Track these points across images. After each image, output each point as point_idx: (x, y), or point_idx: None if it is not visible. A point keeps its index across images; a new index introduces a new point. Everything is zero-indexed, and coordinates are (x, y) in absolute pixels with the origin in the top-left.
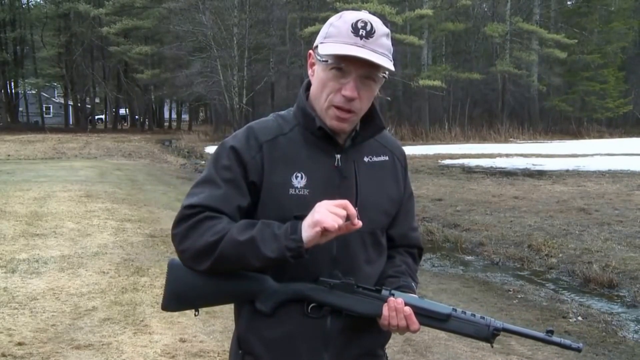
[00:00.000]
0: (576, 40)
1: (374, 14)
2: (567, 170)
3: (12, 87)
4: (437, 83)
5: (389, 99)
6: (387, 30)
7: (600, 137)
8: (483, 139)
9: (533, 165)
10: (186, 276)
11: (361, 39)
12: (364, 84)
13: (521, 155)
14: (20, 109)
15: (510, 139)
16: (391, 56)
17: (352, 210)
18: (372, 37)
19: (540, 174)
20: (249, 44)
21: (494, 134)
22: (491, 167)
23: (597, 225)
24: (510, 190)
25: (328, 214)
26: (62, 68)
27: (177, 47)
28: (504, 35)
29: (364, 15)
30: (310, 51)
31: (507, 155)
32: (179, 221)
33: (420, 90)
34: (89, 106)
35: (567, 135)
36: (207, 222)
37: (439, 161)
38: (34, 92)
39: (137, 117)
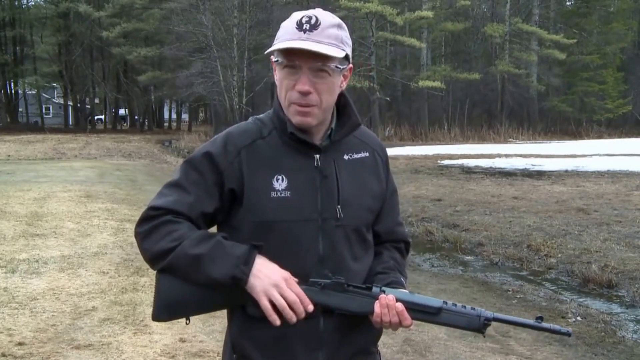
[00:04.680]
0: (575, 40)
1: (373, 15)
2: (566, 171)
3: (12, 87)
4: (436, 84)
5: (388, 99)
6: (337, 22)
7: (599, 137)
8: (482, 140)
9: (532, 165)
10: (176, 285)
11: (305, 32)
12: (317, 76)
13: (520, 155)
14: (20, 109)
15: (510, 140)
16: (345, 46)
17: (301, 305)
18: (316, 29)
19: (539, 174)
20: (248, 45)
21: (493, 134)
22: (490, 167)
23: (596, 226)
24: (509, 191)
25: (280, 296)
26: (61, 68)
27: (177, 47)
28: (504, 36)
29: (311, 11)
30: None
31: (507, 156)
32: (142, 221)
33: (419, 90)
34: (89, 106)
35: (566, 136)
36: (167, 226)
37: (438, 161)
38: (33, 92)
39: (136, 117)
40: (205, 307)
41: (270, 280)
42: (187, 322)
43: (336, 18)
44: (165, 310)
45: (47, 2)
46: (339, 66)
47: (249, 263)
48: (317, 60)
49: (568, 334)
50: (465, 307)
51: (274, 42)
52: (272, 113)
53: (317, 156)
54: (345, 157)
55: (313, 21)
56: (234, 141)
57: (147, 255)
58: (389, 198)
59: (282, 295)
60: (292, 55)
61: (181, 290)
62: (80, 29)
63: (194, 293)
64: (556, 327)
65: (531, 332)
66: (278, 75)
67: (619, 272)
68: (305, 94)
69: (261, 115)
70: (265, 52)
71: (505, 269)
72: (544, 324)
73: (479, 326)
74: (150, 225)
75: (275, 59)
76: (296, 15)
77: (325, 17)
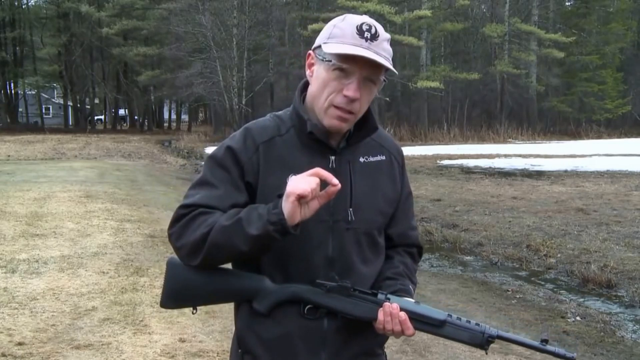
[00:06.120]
0: (574, 38)
1: (373, 14)
2: (566, 171)
3: (12, 88)
4: (435, 84)
5: (388, 99)
6: (388, 36)
7: (599, 137)
8: (482, 140)
9: (532, 165)
10: (185, 274)
11: (366, 41)
12: (365, 85)
13: (520, 155)
14: (20, 109)
15: (509, 140)
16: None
17: (325, 174)
18: (376, 40)
19: (538, 175)
20: (248, 45)
21: (493, 134)
22: (490, 167)
23: (595, 226)
24: (508, 191)
25: (298, 183)
26: (61, 69)
27: (177, 48)
28: (503, 36)
29: (367, 18)
30: (310, 52)
31: (506, 156)
32: (174, 221)
33: (419, 90)
34: (89, 107)
35: (566, 136)
36: (200, 217)
37: (438, 161)
38: (33, 92)
39: (136, 117)
40: (212, 298)
41: (286, 193)
42: (194, 311)
43: (385, 32)
44: (172, 298)
45: (48, 3)
46: (385, 79)
47: (277, 205)
48: (371, 70)
49: (573, 359)
50: (469, 322)
51: (327, 40)
52: (291, 111)
53: (333, 158)
54: (361, 159)
55: (373, 31)
56: (252, 137)
57: (185, 250)
58: (403, 201)
59: (303, 186)
60: (348, 60)
61: (190, 280)
62: (81, 29)
63: (203, 284)
64: (561, 350)
65: (531, 332)
66: (324, 74)
67: (618, 272)
68: (353, 100)
69: (279, 112)
70: (314, 47)
71: (504, 269)
72: (549, 347)
73: (481, 342)
74: (183, 222)
75: (328, 59)
76: (353, 20)
77: (381, 29)
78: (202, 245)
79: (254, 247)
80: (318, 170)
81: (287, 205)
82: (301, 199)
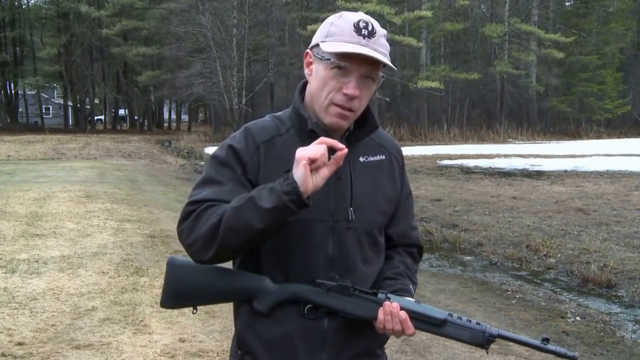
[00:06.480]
0: (573, 38)
1: (372, 14)
2: (566, 171)
3: (12, 88)
4: (435, 84)
5: (387, 99)
6: (385, 32)
7: (599, 137)
8: (481, 140)
9: (531, 165)
10: (185, 274)
11: (364, 38)
12: (364, 82)
13: (520, 155)
14: (20, 109)
15: (509, 140)
16: (389, 57)
17: (331, 141)
18: (373, 36)
19: (538, 175)
20: (248, 45)
21: (493, 134)
22: (490, 167)
23: (595, 226)
24: (508, 191)
25: (307, 149)
26: (61, 69)
27: (177, 48)
28: (503, 36)
29: (363, 15)
30: (308, 51)
31: (506, 156)
32: (183, 219)
33: (419, 91)
34: (89, 107)
35: (566, 136)
36: (209, 209)
37: (438, 162)
38: (33, 92)
39: (136, 117)
40: (213, 298)
41: (296, 160)
42: (194, 311)
43: (382, 28)
44: (172, 298)
45: (48, 3)
46: (384, 75)
47: (288, 177)
48: (370, 67)
49: (574, 359)
50: (470, 321)
51: (325, 39)
52: (290, 110)
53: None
54: (361, 159)
55: (370, 28)
56: (253, 136)
57: (198, 244)
58: (403, 201)
59: (312, 150)
60: (346, 58)
61: (190, 280)
62: (81, 29)
63: (203, 283)
64: (562, 350)
65: (531, 332)
66: (323, 73)
67: (618, 272)
68: (353, 98)
69: (279, 113)
70: (312, 45)
71: (504, 269)
72: (550, 346)
73: (482, 342)
74: (192, 217)
75: (327, 58)
76: (350, 17)
77: (378, 25)
78: (215, 233)
79: (270, 222)
80: (323, 138)
81: (298, 170)
82: (312, 162)
